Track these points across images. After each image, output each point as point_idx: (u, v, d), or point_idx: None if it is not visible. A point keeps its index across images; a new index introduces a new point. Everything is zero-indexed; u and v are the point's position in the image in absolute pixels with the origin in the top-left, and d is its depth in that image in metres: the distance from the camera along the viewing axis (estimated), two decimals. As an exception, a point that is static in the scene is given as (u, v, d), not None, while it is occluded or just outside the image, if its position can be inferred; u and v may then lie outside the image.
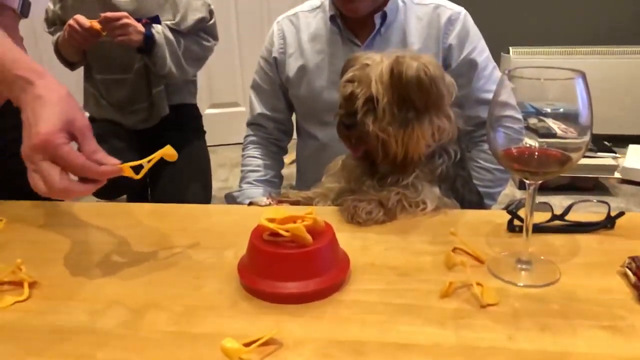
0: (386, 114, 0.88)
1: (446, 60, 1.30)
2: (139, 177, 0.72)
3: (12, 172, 1.25)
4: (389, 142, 0.89)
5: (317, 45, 1.35)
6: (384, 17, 1.29)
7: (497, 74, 1.34)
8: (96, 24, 1.55)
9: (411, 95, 0.87)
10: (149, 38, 1.60)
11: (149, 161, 0.73)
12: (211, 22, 1.76)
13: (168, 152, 0.73)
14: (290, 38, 1.38)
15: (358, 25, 1.32)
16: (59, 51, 1.73)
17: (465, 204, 0.98)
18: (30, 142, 0.66)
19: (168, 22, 1.67)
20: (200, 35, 1.76)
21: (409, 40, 1.30)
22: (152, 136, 1.78)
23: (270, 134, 1.48)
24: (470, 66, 1.29)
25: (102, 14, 1.54)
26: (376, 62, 0.91)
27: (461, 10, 1.32)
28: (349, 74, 0.93)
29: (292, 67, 1.37)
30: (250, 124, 1.49)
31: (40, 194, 0.68)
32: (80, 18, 1.56)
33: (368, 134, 0.89)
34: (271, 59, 1.40)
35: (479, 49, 1.31)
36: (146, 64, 1.69)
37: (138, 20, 1.58)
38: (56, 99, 0.69)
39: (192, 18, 1.70)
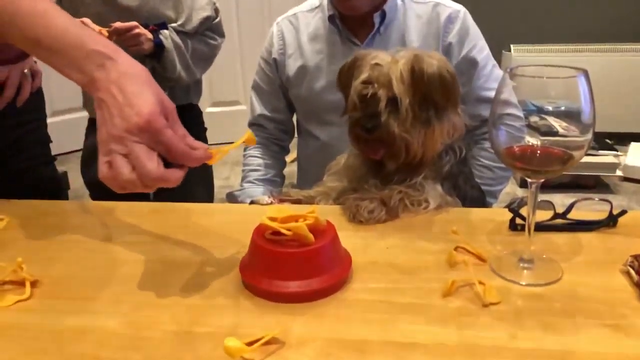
0: (409, 115, 0.87)
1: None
2: (214, 162, 0.69)
3: (14, 172, 1.25)
4: (412, 142, 0.88)
5: (317, 45, 1.35)
6: (383, 16, 1.29)
7: (497, 72, 1.33)
8: (104, 32, 1.54)
9: (433, 93, 0.87)
10: (158, 45, 1.60)
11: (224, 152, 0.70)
12: (217, 20, 1.76)
13: (250, 137, 0.71)
14: (289, 39, 1.38)
15: (357, 25, 1.31)
16: None
17: (467, 200, 0.98)
18: (129, 123, 0.60)
19: (174, 25, 1.67)
20: (206, 35, 1.76)
21: (408, 39, 1.30)
22: None
23: (271, 134, 1.48)
24: (470, 64, 1.29)
25: (113, 25, 1.52)
26: (388, 62, 0.89)
27: (460, 8, 1.32)
28: (363, 75, 0.90)
29: (291, 67, 1.37)
30: (251, 125, 1.49)
31: (112, 184, 0.62)
32: (89, 22, 1.55)
33: (393, 136, 0.88)
34: (271, 60, 1.40)
35: (479, 47, 1.31)
36: (154, 67, 1.68)
37: (145, 27, 1.58)
38: (144, 77, 0.64)
39: (198, 18, 1.69)
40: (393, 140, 0.88)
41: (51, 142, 1.39)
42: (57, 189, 1.40)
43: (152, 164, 0.60)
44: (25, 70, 1.15)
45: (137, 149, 0.60)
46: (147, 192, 0.63)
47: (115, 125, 0.60)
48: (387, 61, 0.90)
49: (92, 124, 1.80)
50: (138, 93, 0.62)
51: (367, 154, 0.94)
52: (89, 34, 0.67)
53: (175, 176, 0.63)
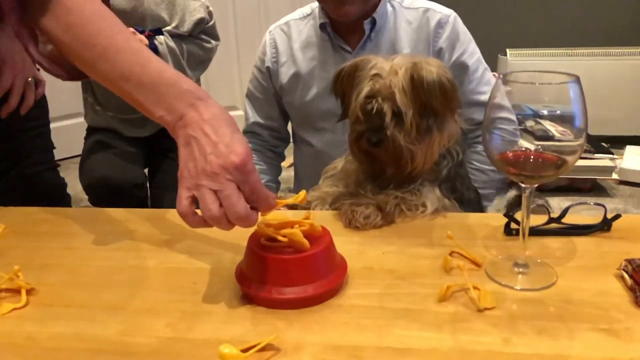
0: (413, 126, 0.87)
1: None
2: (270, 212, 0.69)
3: (19, 178, 1.26)
4: (416, 153, 0.88)
5: (309, 53, 1.36)
6: (373, 22, 1.29)
7: (489, 75, 1.34)
8: None
9: (432, 101, 0.86)
10: (153, 50, 1.60)
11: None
12: (211, 23, 1.77)
13: (304, 196, 0.73)
14: (282, 47, 1.39)
15: (348, 32, 1.31)
16: None
17: (464, 202, 0.98)
18: (225, 161, 0.61)
19: (169, 27, 1.67)
20: (201, 38, 1.77)
21: (399, 45, 1.30)
22: (153, 141, 1.79)
23: (266, 141, 1.48)
24: (461, 69, 1.29)
25: None
26: (387, 71, 0.88)
27: (450, 13, 1.32)
28: (365, 89, 0.89)
29: (285, 75, 1.38)
30: (245, 132, 1.50)
31: (191, 220, 0.63)
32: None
33: (400, 149, 0.87)
34: (264, 68, 1.41)
35: (470, 52, 1.31)
36: None
37: (140, 32, 1.58)
38: (231, 120, 0.66)
39: (191, 20, 1.70)
40: (400, 152, 0.88)
41: (55, 148, 1.40)
42: (61, 194, 1.40)
43: (242, 202, 0.62)
44: (30, 79, 1.17)
45: (230, 187, 0.62)
46: (224, 229, 0.64)
47: (210, 162, 0.62)
48: (386, 71, 0.89)
49: (91, 131, 1.81)
50: (230, 134, 0.64)
51: (370, 166, 0.94)
52: (181, 75, 0.70)
53: (256, 218, 0.64)
